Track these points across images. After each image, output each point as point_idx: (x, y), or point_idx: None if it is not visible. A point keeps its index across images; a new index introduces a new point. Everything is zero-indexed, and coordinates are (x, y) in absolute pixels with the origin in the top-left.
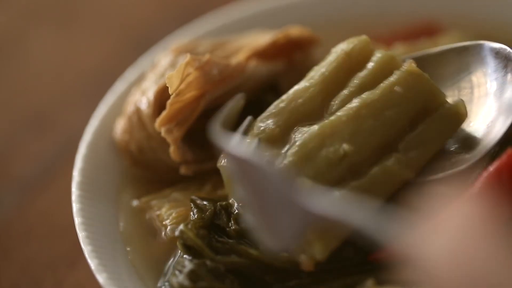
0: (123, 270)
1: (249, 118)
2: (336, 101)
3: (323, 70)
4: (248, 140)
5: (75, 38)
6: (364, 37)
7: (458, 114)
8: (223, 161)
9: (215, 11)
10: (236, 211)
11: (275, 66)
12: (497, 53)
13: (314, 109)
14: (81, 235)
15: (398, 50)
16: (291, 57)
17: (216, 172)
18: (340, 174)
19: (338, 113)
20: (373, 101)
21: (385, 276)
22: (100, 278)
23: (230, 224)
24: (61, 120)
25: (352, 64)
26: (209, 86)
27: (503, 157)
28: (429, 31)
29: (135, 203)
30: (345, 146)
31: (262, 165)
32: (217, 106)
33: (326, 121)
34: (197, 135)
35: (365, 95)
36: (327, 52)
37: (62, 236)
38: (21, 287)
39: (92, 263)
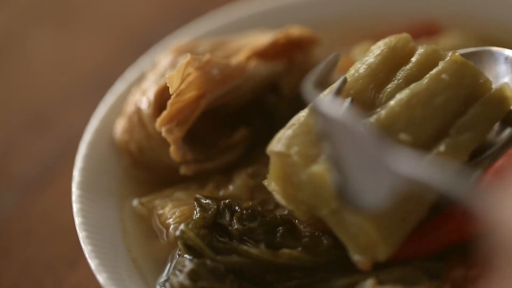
0: (123, 270)
1: (342, 77)
2: (385, 93)
3: (369, 63)
4: (340, 100)
5: (75, 38)
6: (405, 34)
7: (505, 97)
8: (274, 145)
9: (215, 11)
10: (239, 209)
11: (275, 66)
12: (507, 59)
13: (366, 100)
14: (81, 235)
15: None
16: (291, 57)
17: (217, 172)
18: None
19: (390, 104)
20: (422, 90)
21: (385, 276)
22: (100, 278)
23: (232, 223)
24: (61, 120)
25: (396, 58)
26: (209, 86)
27: (504, 157)
28: (429, 31)
29: (136, 202)
30: (403, 136)
31: (353, 125)
32: (217, 106)
33: (381, 112)
34: (197, 135)
35: (413, 86)
36: (327, 52)
37: (62, 236)
38: (21, 287)
39: (92, 263)
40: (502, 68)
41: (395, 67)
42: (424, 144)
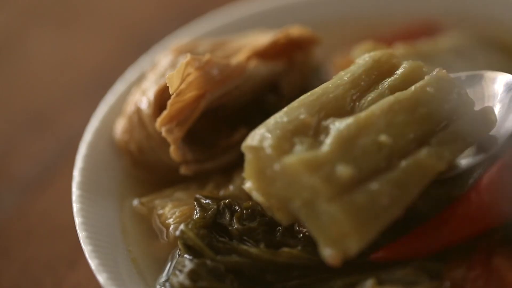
0: (123, 270)
1: None
2: (367, 99)
3: (352, 71)
4: None
5: (75, 38)
6: (390, 50)
7: (488, 120)
8: (247, 141)
9: (215, 11)
10: (239, 209)
11: (275, 66)
12: (498, 82)
13: (345, 105)
14: (81, 235)
15: (399, 50)
16: (291, 57)
17: (217, 172)
18: (376, 164)
19: (372, 107)
20: (406, 98)
21: (385, 276)
22: (100, 278)
23: (232, 223)
24: (61, 120)
25: (380, 70)
26: (209, 86)
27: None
28: (429, 31)
29: (136, 202)
30: (383, 137)
31: None
32: (217, 106)
33: (360, 113)
34: (197, 135)
35: (397, 94)
36: (327, 52)
37: (62, 236)
38: (21, 287)
39: (92, 263)
40: (492, 91)
41: (378, 78)
42: (404, 147)
